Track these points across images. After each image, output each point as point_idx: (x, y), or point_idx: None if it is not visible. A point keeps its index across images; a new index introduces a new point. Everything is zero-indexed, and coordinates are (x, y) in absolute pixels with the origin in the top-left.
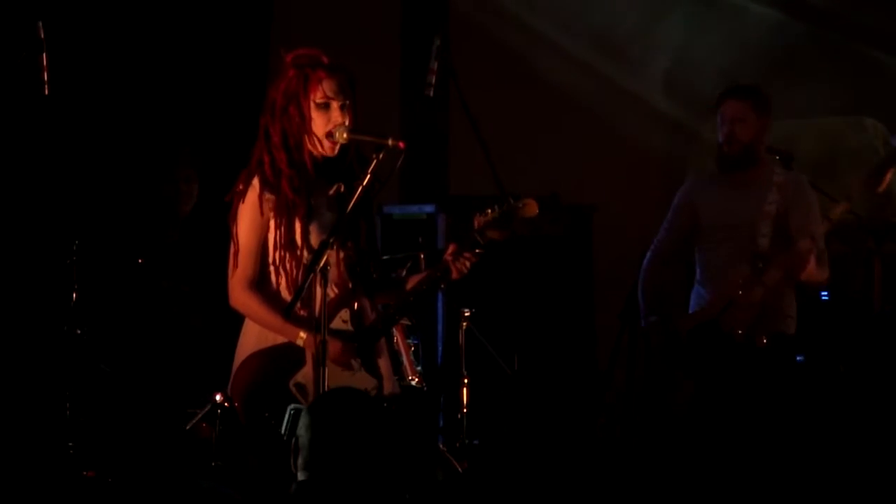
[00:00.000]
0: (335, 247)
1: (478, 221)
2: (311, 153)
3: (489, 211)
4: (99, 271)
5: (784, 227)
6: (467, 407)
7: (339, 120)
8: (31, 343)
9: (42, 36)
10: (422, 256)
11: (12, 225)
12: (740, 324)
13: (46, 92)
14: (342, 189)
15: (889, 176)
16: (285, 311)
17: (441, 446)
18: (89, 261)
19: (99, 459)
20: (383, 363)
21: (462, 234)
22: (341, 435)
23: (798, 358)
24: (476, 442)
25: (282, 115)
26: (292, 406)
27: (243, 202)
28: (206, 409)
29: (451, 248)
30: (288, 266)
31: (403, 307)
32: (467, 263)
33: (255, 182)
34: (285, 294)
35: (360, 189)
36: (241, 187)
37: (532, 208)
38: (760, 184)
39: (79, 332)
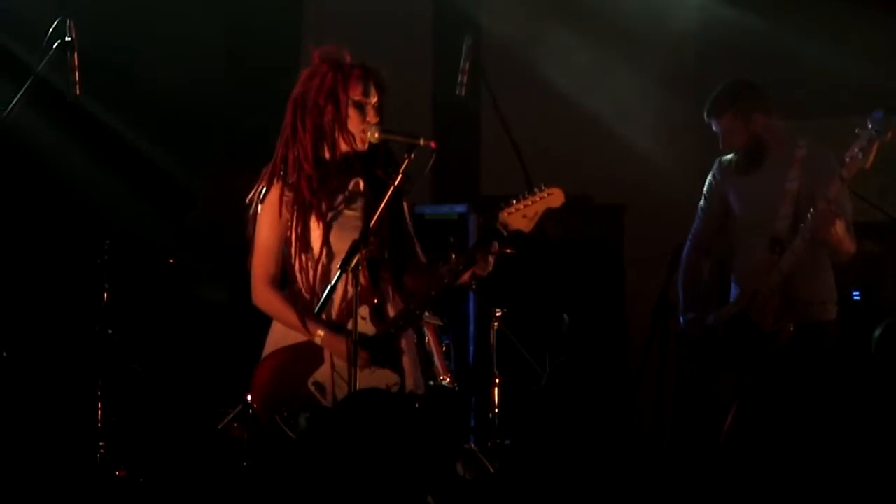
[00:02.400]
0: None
1: (502, 213)
2: (340, 149)
3: (513, 202)
4: (130, 271)
5: (808, 207)
6: (498, 407)
7: (374, 118)
8: (63, 343)
9: (73, 35)
10: (453, 256)
11: (44, 225)
12: (767, 313)
13: (77, 92)
14: (361, 184)
15: (874, 151)
16: (318, 310)
17: (472, 446)
18: (121, 261)
19: (131, 459)
20: (406, 360)
21: (487, 227)
22: (363, 438)
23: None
24: (507, 442)
25: (314, 111)
26: (305, 416)
27: (264, 201)
28: (238, 409)
29: (475, 241)
30: (304, 265)
31: (424, 303)
32: (490, 258)
33: (277, 181)
34: (305, 293)
35: (391, 189)
36: (262, 185)
37: (558, 197)
38: (782, 161)
39: (110, 332)
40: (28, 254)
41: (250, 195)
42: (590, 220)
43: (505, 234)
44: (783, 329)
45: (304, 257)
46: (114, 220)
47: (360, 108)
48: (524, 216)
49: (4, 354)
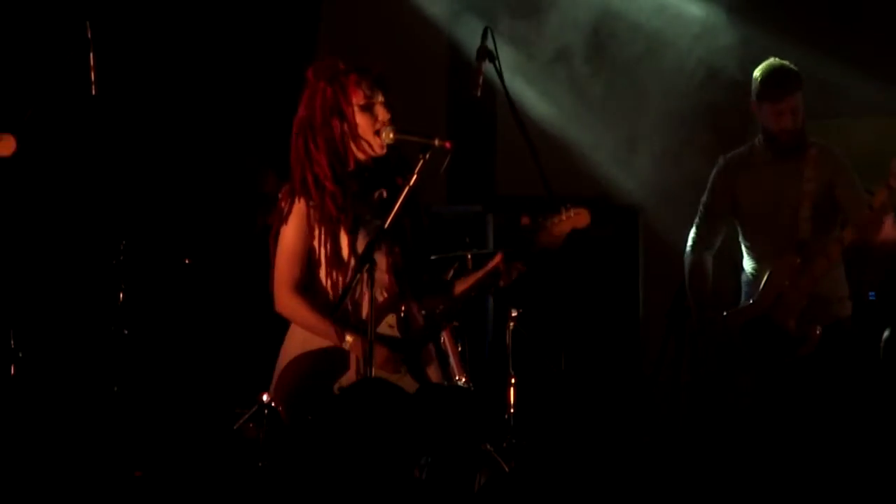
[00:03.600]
0: (383, 251)
1: (528, 230)
2: (358, 158)
3: (540, 220)
4: (146, 272)
5: (827, 206)
6: (514, 407)
7: (385, 117)
8: (79, 343)
9: (90, 36)
10: (469, 256)
11: (61, 225)
12: (791, 315)
13: (94, 92)
14: (385, 194)
15: None
16: (333, 312)
17: (488, 446)
18: (136, 261)
19: (147, 459)
20: (431, 369)
21: (512, 241)
22: (367, 421)
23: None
24: (523, 442)
25: (323, 128)
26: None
27: (287, 219)
28: (253, 410)
29: (500, 256)
30: (336, 280)
31: (451, 313)
32: (515, 273)
33: (299, 198)
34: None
35: (406, 190)
36: (283, 205)
37: (584, 218)
38: (797, 158)
39: (126, 332)
40: (44, 254)
41: (270, 217)
42: (605, 221)
43: (533, 251)
44: (811, 332)
45: (335, 273)
46: (130, 220)
47: (369, 109)
48: (551, 235)
49: (20, 354)
